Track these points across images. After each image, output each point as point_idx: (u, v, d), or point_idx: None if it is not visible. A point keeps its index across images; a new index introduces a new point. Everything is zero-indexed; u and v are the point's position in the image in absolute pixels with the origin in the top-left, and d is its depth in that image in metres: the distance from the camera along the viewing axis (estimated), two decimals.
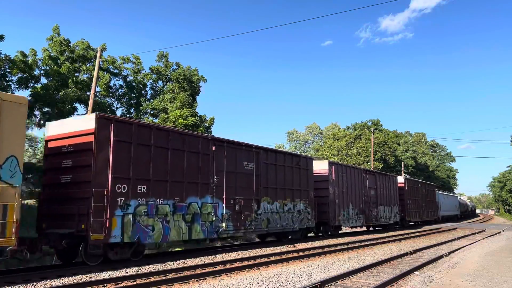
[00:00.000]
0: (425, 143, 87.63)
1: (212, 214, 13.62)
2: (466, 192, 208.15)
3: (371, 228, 30.02)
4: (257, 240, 20.45)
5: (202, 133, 15.88)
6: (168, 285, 8.55)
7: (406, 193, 32.75)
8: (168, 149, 12.32)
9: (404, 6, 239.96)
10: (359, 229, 29.52)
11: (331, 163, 21.98)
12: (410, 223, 35.73)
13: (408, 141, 78.25)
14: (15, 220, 8.37)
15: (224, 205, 14.18)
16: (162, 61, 32.38)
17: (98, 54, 20.53)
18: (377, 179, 27.48)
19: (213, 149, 14.02)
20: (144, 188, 11.43)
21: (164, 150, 12.24)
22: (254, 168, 15.92)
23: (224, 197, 14.21)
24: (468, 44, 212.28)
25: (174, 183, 12.35)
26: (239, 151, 15.30)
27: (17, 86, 23.72)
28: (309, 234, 21.79)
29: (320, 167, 21.60)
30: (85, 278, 9.07)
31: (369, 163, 49.23)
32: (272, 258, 12.64)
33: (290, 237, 18.83)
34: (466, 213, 71.27)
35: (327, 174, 21.43)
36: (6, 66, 22.71)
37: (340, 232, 23.72)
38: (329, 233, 21.92)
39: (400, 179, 32.86)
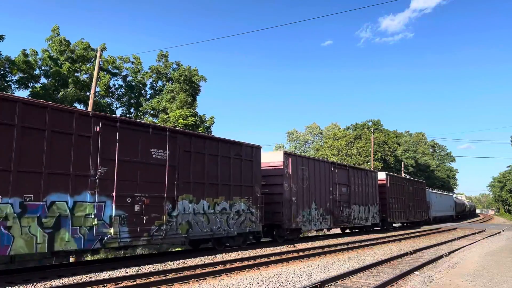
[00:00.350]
0: (425, 143, 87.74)
1: (93, 216, 10.26)
2: (466, 192, 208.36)
3: (347, 231, 26.66)
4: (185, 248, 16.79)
5: (78, 108, 12.54)
6: (168, 285, 8.56)
7: (388, 191, 28.81)
8: (13, 126, 8.92)
9: (404, 6, 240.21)
10: (326, 232, 25.34)
11: (287, 154, 18.36)
12: (394, 225, 32.53)
13: (408, 141, 78.30)
14: None
15: (114, 204, 10.78)
16: (162, 61, 32.45)
17: (98, 54, 20.53)
18: (351, 174, 23.74)
19: (97, 129, 10.62)
20: None
21: (7, 127, 8.84)
22: (169, 157, 12.38)
23: (114, 194, 10.81)
24: (468, 44, 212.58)
25: (24, 174, 9.01)
26: (143, 135, 11.75)
27: (17, 86, 23.78)
28: (262, 239, 18.70)
29: (273, 159, 18.16)
30: (85, 278, 9.07)
31: (369, 163, 49.24)
32: (272, 258, 12.64)
33: (227, 244, 15.31)
34: (463, 213, 66.50)
35: (282, 167, 17.83)
36: (6, 66, 22.74)
37: (300, 236, 20.30)
38: (285, 238, 18.27)
39: (381, 175, 28.92)
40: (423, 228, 32.75)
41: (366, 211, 25.41)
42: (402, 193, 31.69)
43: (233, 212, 14.88)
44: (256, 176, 16.25)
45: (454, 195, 62.20)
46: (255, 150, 16.47)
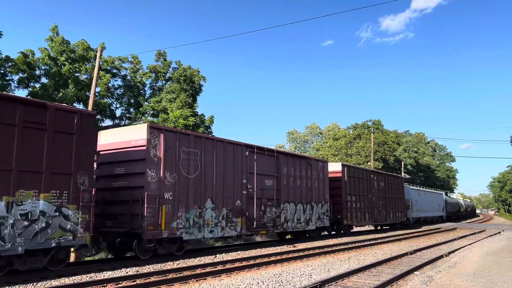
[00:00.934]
0: (426, 144, 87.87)
1: None
2: (466, 192, 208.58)
3: (289, 236, 21.11)
4: None
5: None
6: (168, 285, 8.56)
7: (345, 186, 23.13)
8: None
9: (405, 6, 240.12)
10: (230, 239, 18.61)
11: (156, 130, 12.39)
12: (357, 229, 27.84)
13: (409, 141, 78.42)
14: None
15: None
16: (160, 60, 32.47)
17: (98, 54, 20.53)
18: (282, 163, 18.01)
19: None
20: None
21: None
22: None
23: None
24: (469, 44, 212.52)
25: None
26: None
27: (17, 85, 23.81)
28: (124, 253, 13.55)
29: (133, 135, 12.37)
30: (85, 278, 9.08)
31: (369, 163, 49.26)
32: (272, 258, 12.65)
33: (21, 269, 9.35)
34: (457, 214, 58.37)
35: (144, 148, 11.96)
36: (6, 66, 22.78)
37: (185, 248, 13.71)
38: (152, 251, 12.29)
39: (335, 167, 23.44)
40: (423, 228, 32.73)
41: (307, 212, 19.56)
42: (368, 189, 25.95)
43: (15, 216, 8.94)
44: (83, 158, 10.43)
45: (445, 193, 54.52)
46: (81, 119, 10.46)
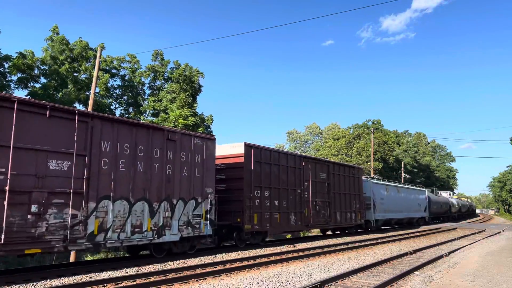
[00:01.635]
0: (426, 144, 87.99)
1: None
2: (466, 192, 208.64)
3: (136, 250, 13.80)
4: None
5: None
6: (168, 285, 8.56)
7: (252, 175, 16.03)
8: None
9: (405, 6, 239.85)
10: None
11: None
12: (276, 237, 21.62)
13: (410, 141, 78.47)
14: None
15: None
16: (158, 60, 32.54)
17: (98, 54, 20.51)
18: (100, 132, 10.74)
19: None
20: None
21: None
22: None
23: None
24: (469, 44, 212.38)
25: None
26: None
27: (16, 85, 23.82)
28: None
29: None
30: (85, 278, 9.08)
31: (369, 163, 49.27)
32: (272, 258, 12.65)
33: None
34: (446, 215, 48.38)
35: None
36: (6, 66, 22.78)
37: None
38: None
39: (235, 149, 16.41)
40: (422, 228, 32.71)
41: (161, 214, 12.22)
42: (297, 181, 18.88)
43: None
44: None
45: (430, 190, 45.97)
46: None
